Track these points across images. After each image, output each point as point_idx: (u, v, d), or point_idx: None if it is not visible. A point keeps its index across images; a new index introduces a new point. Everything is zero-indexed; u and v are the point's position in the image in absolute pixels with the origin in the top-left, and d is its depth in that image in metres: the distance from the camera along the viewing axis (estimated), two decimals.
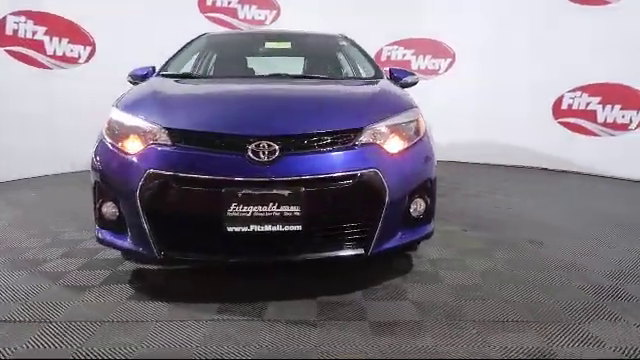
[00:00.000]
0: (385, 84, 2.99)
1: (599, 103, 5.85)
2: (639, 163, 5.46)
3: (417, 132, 2.48)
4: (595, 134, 5.93)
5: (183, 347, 1.85)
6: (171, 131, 2.20)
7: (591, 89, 5.91)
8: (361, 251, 2.24)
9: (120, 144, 2.29)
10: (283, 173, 2.09)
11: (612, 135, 5.80)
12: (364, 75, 3.50)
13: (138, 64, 6.23)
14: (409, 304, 2.25)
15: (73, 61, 5.97)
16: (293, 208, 2.07)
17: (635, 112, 5.51)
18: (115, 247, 2.42)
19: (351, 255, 2.24)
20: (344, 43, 3.88)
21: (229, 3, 7.20)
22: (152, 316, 2.10)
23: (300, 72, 3.74)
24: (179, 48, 3.63)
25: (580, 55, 5.90)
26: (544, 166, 6.35)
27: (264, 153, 2.10)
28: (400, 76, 3.37)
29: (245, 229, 2.08)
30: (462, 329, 2.01)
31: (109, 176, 2.31)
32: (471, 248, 3.10)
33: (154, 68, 3.40)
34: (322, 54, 3.95)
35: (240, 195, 2.05)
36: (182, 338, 1.91)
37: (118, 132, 2.35)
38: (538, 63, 6.23)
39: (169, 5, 6.64)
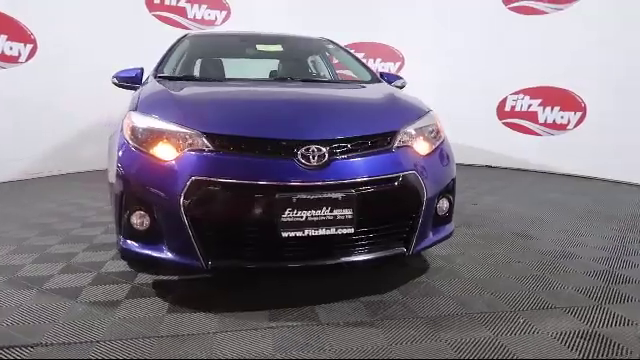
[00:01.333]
0: (392, 88, 3.08)
1: (540, 105, 6.36)
2: (578, 160, 6.00)
3: (439, 134, 2.60)
4: (537, 134, 6.44)
5: (260, 356, 1.80)
6: (212, 136, 2.13)
7: (532, 92, 6.42)
8: (403, 250, 2.31)
9: (151, 150, 2.17)
10: (334, 177, 2.10)
11: (552, 135, 6.32)
12: (360, 78, 3.57)
13: (83, 63, 5.91)
14: (448, 299, 2.34)
15: (13, 60, 5.49)
16: (346, 211, 2.09)
17: (573, 113, 6.05)
18: (144, 259, 2.30)
19: (394, 255, 2.30)
20: (331, 46, 3.93)
21: (177, 2, 6.98)
22: (205, 328, 2.02)
23: (291, 74, 3.72)
24: (166, 50, 3.48)
25: (521, 60, 6.38)
26: (490, 164, 6.79)
27: (314, 157, 2.10)
28: (390, 80, 3.51)
29: (299, 233, 2.06)
30: (509, 319, 2.13)
31: (140, 184, 2.18)
32: (469, 243, 3.27)
33: (142, 69, 3.23)
34: (311, 57, 3.97)
35: (295, 200, 2.03)
36: (252, 347, 1.86)
37: (145, 137, 2.22)
38: (483, 68, 6.67)
39: (115, 2, 6.32)
